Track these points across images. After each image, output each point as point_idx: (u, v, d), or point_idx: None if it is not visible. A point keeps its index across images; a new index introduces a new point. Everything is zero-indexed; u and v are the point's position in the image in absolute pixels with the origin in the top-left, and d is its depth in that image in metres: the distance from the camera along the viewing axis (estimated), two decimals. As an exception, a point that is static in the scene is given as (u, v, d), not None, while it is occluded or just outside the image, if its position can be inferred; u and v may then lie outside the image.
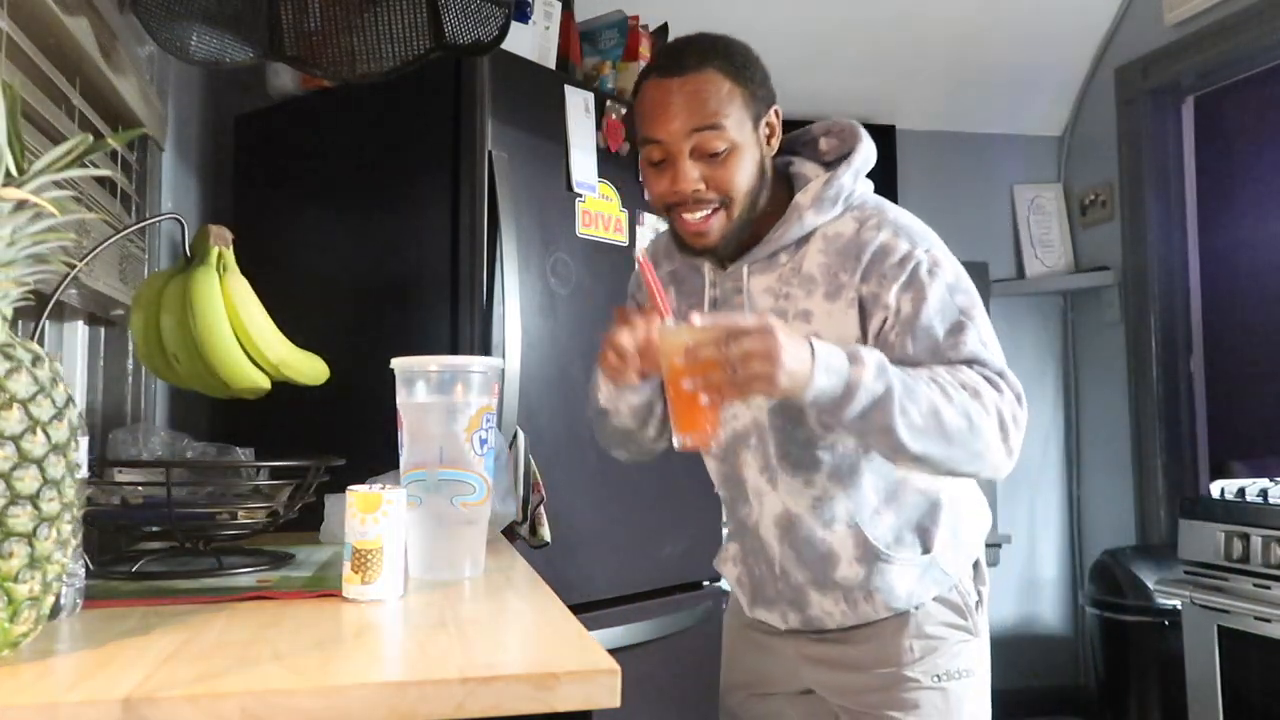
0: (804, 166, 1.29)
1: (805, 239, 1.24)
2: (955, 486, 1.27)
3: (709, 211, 1.19)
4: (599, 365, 1.22)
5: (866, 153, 1.28)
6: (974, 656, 1.26)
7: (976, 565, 1.30)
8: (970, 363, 1.14)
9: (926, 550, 1.23)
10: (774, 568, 1.29)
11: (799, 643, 1.31)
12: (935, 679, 1.23)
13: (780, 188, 1.27)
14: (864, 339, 1.19)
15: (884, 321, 1.17)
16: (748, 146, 1.20)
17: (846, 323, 1.19)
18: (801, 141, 1.34)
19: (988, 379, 1.13)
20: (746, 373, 1.02)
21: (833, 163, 1.28)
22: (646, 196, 1.29)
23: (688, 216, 1.20)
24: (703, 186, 1.18)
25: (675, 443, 1.13)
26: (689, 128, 1.17)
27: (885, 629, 1.24)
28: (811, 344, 1.07)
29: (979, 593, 1.29)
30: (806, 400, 1.06)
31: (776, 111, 1.24)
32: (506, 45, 1.78)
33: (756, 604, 1.34)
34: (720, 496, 1.38)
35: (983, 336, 1.16)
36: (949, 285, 1.17)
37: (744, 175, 1.19)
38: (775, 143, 1.25)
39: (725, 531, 1.42)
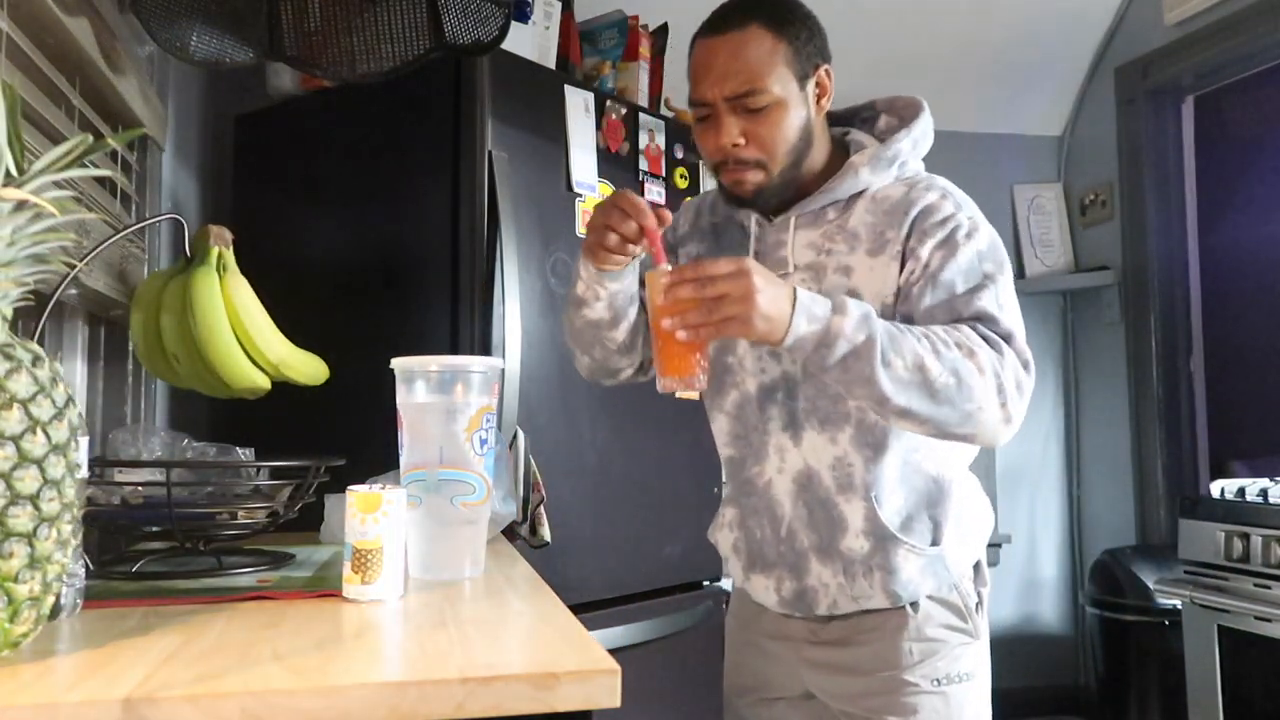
0: (860, 136, 1.30)
1: (854, 198, 1.24)
2: (960, 477, 1.26)
3: (747, 171, 1.21)
4: (586, 246, 1.22)
5: (926, 125, 1.28)
6: (975, 659, 1.25)
7: (978, 566, 1.29)
8: (978, 319, 1.13)
9: (935, 543, 1.22)
10: (779, 529, 1.28)
11: (799, 646, 1.30)
12: (935, 683, 1.21)
13: (837, 153, 1.28)
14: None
15: (911, 273, 1.18)
16: (792, 104, 1.19)
17: (886, 277, 1.20)
18: (861, 117, 1.35)
19: (988, 340, 1.11)
20: (721, 313, 1.03)
21: (891, 138, 1.29)
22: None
23: (728, 171, 1.22)
24: (743, 141, 1.19)
25: (659, 385, 1.14)
26: (730, 89, 1.17)
27: (884, 629, 1.23)
28: (795, 291, 1.07)
29: (979, 594, 1.27)
30: (785, 345, 1.07)
31: (828, 71, 1.24)
32: (506, 45, 1.78)
33: (753, 569, 1.32)
34: (725, 457, 1.36)
35: (1000, 299, 1.15)
36: (980, 251, 1.18)
37: (786, 132, 1.19)
38: (826, 102, 1.24)
39: (723, 496, 1.40)
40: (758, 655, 1.36)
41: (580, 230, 2.06)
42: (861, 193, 1.24)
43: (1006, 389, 1.09)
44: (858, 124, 1.35)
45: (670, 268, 1.12)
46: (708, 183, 2.35)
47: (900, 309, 1.19)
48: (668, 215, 1.17)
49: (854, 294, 1.20)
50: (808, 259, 1.25)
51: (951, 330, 1.11)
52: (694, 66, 1.22)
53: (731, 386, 1.31)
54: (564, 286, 2.01)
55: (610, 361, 1.37)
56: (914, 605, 1.23)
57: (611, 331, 1.32)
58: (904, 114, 1.31)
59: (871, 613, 1.24)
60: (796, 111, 1.20)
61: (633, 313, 1.32)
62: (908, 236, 1.19)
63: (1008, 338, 1.13)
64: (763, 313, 1.03)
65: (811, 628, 1.29)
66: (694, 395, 1.20)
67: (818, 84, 1.23)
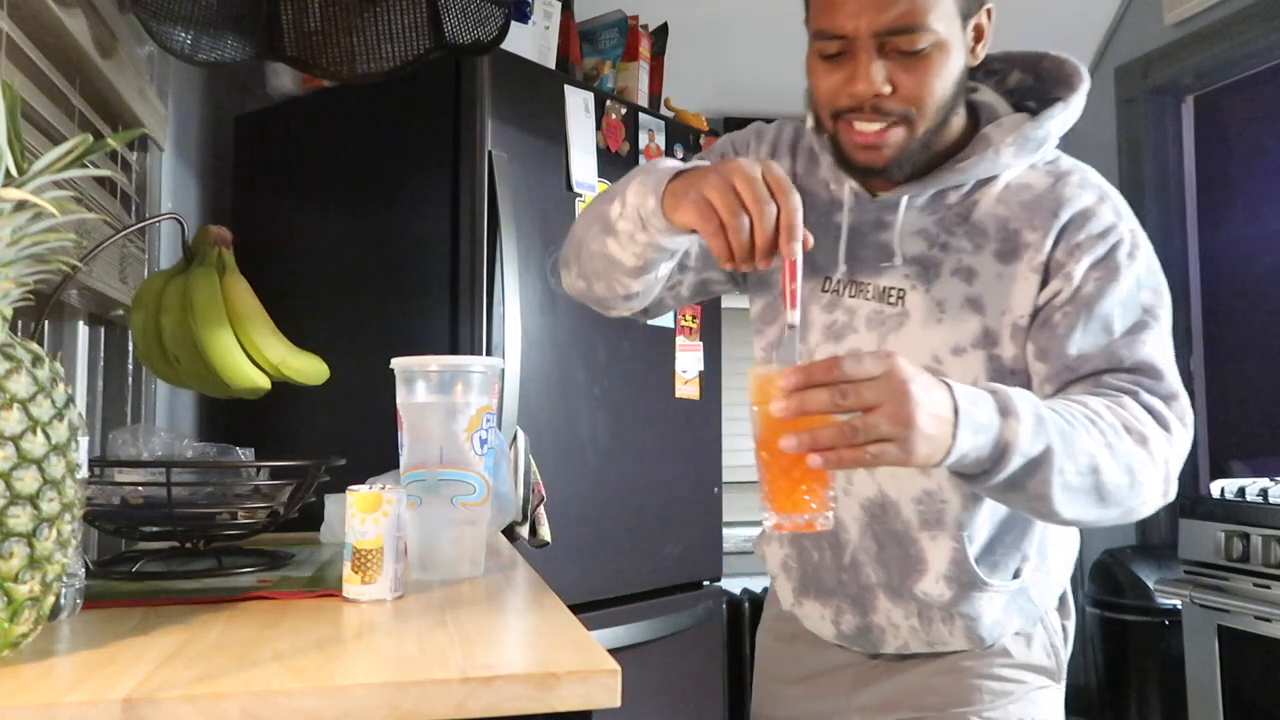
0: (989, 96, 1.06)
1: (985, 182, 1.01)
2: None
3: (887, 124, 0.96)
4: (693, 196, 0.88)
5: (1082, 100, 1.03)
6: (1051, 706, 1.09)
7: (1063, 597, 1.13)
8: (1142, 372, 0.94)
9: (1017, 575, 1.06)
10: (841, 556, 1.08)
11: (852, 679, 1.13)
12: None
13: (968, 118, 1.04)
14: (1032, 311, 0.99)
15: (1055, 294, 0.97)
16: (953, 47, 0.95)
17: (1021, 292, 0.98)
18: (986, 69, 1.09)
19: (1156, 414, 0.92)
20: (870, 435, 0.75)
21: (1020, 104, 1.06)
22: (808, 98, 1.03)
23: (861, 126, 0.96)
24: (888, 90, 0.94)
25: (766, 523, 0.84)
26: (884, 22, 0.91)
27: (955, 664, 1.07)
28: (950, 388, 0.79)
29: (1064, 628, 1.11)
30: (942, 466, 0.81)
31: (989, 10, 1.00)
32: (506, 45, 1.78)
33: (806, 594, 1.13)
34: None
35: (1164, 340, 0.97)
36: (1139, 276, 0.97)
37: (942, 83, 0.95)
38: (981, 51, 1.00)
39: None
40: (800, 688, 1.18)
41: (580, 230, 2.05)
42: (996, 175, 1.01)
43: (1172, 475, 0.92)
44: (981, 76, 1.09)
45: (796, 323, 0.85)
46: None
47: (1037, 338, 0.98)
48: (809, 241, 0.87)
49: (975, 302, 0.99)
50: (917, 250, 1.02)
51: (1116, 406, 0.91)
52: None
53: None
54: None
55: (608, 300, 1.12)
56: (989, 644, 1.07)
57: (628, 279, 1.05)
58: (1048, 77, 1.05)
59: (945, 653, 1.08)
60: (956, 58, 0.95)
61: (664, 270, 1.06)
62: (1055, 245, 0.97)
63: (1171, 399, 0.94)
64: (925, 433, 0.76)
65: (870, 659, 1.13)
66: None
67: (977, 26, 0.98)
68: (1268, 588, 2.24)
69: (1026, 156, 1.01)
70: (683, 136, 2.32)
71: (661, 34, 2.46)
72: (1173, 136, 3.23)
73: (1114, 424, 0.88)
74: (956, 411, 0.79)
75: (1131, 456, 0.88)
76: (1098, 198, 1.00)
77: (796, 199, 0.84)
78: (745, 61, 2.86)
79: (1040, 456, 0.82)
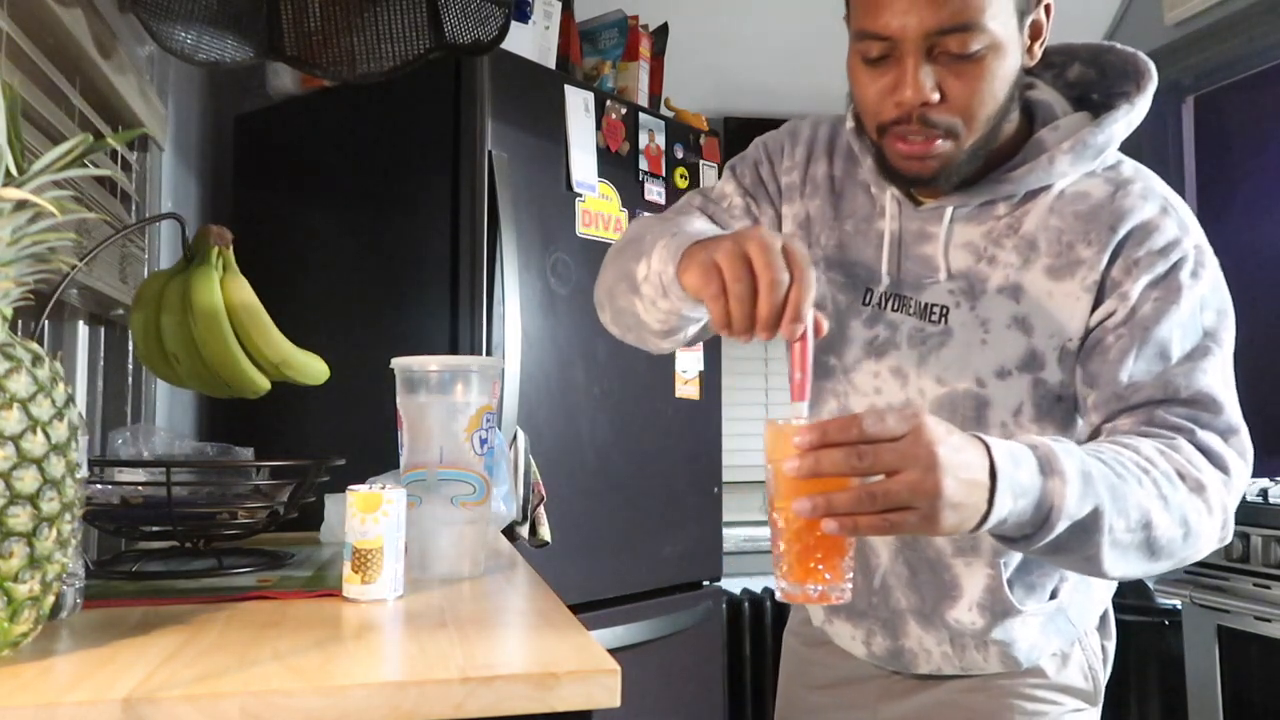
0: (1046, 93, 0.99)
1: (1038, 190, 0.95)
2: None
3: (934, 141, 0.90)
4: (702, 261, 0.80)
5: (1148, 100, 0.97)
6: None
7: (1104, 617, 1.10)
8: (1199, 405, 0.88)
9: (1054, 595, 1.02)
10: (872, 579, 1.05)
11: (880, 695, 1.10)
12: None
13: (1021, 119, 0.97)
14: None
15: (1109, 315, 0.90)
16: (1009, 49, 0.88)
17: (1072, 313, 0.92)
18: (1044, 62, 1.00)
19: (1213, 455, 0.86)
20: (889, 502, 0.69)
21: (1082, 98, 1.00)
22: (850, 106, 0.97)
23: (906, 140, 0.90)
24: (936, 98, 0.87)
25: (779, 593, 0.77)
26: (935, 21, 0.84)
27: (986, 683, 1.04)
28: (987, 447, 0.73)
29: (1104, 649, 1.08)
30: (980, 532, 0.74)
31: (1048, 6, 0.93)
32: (506, 45, 1.78)
33: (836, 614, 1.11)
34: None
35: (1225, 370, 0.92)
36: (1203, 297, 0.91)
37: (994, 89, 0.88)
38: (1038, 50, 0.94)
39: None
40: (826, 695, 1.16)
41: (580, 230, 2.05)
42: (1050, 184, 0.95)
43: (1230, 519, 0.86)
44: (1039, 69, 1.01)
45: (805, 415, 0.76)
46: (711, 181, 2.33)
47: (1087, 362, 0.92)
48: (824, 327, 0.79)
49: (1022, 322, 0.94)
50: (962, 265, 0.96)
51: (1169, 450, 0.84)
52: None
53: (831, 395, 1.05)
54: (564, 286, 2.01)
55: (643, 343, 1.08)
56: (1026, 667, 1.04)
57: (656, 339, 1.02)
58: (1112, 71, 0.99)
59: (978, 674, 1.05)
60: (1010, 61, 0.88)
61: (693, 331, 1.01)
62: (1111, 261, 0.91)
63: (1230, 433, 0.88)
64: (953, 500, 0.69)
65: (901, 677, 1.10)
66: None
67: (1034, 24, 0.91)
68: (1268, 588, 2.24)
69: (1084, 164, 0.95)
70: (683, 136, 2.32)
71: (661, 34, 2.46)
72: (1173, 137, 3.23)
73: (1168, 471, 0.82)
74: (994, 474, 0.72)
75: (1186, 507, 0.82)
76: (1160, 209, 0.93)
77: (812, 278, 0.76)
78: (745, 61, 2.86)
79: (1088, 519, 0.76)
